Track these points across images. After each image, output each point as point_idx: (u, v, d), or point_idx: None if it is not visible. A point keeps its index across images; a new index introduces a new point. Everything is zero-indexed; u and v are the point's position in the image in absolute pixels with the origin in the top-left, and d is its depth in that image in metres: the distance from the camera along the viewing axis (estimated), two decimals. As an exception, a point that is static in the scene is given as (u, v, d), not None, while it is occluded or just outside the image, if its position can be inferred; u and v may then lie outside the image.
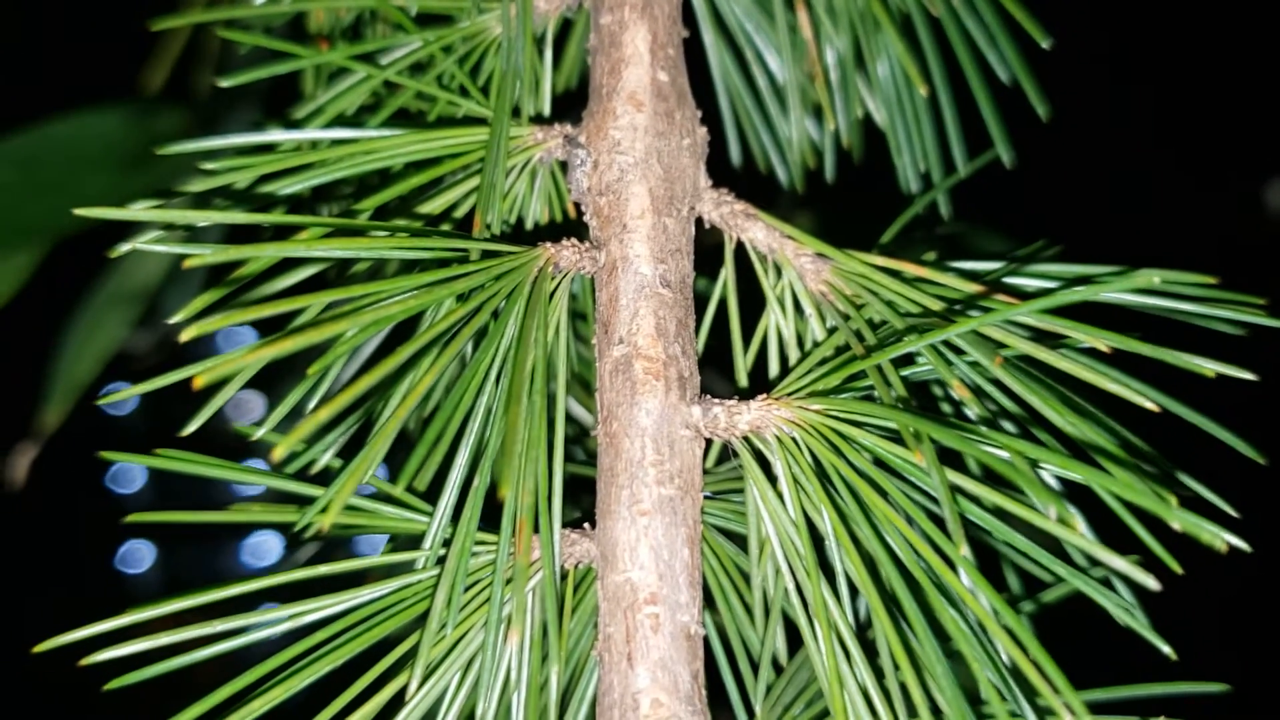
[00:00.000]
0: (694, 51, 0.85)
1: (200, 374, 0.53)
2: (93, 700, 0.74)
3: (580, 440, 1.00)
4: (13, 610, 2.64)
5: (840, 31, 0.88)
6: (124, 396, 0.68)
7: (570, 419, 0.99)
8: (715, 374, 0.82)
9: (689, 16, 0.84)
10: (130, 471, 3.24)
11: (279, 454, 0.52)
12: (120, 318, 1.54)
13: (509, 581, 0.66)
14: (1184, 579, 0.65)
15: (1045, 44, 0.82)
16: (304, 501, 0.73)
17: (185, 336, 0.55)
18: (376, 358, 0.80)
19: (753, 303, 0.79)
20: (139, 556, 3.33)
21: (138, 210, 0.63)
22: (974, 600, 0.62)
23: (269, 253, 0.62)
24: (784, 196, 0.97)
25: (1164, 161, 2.66)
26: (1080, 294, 0.58)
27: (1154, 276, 0.55)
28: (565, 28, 0.94)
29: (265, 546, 3.20)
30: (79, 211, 0.62)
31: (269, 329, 0.69)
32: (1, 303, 1.43)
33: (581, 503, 0.89)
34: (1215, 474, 0.73)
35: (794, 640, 0.77)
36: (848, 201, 1.03)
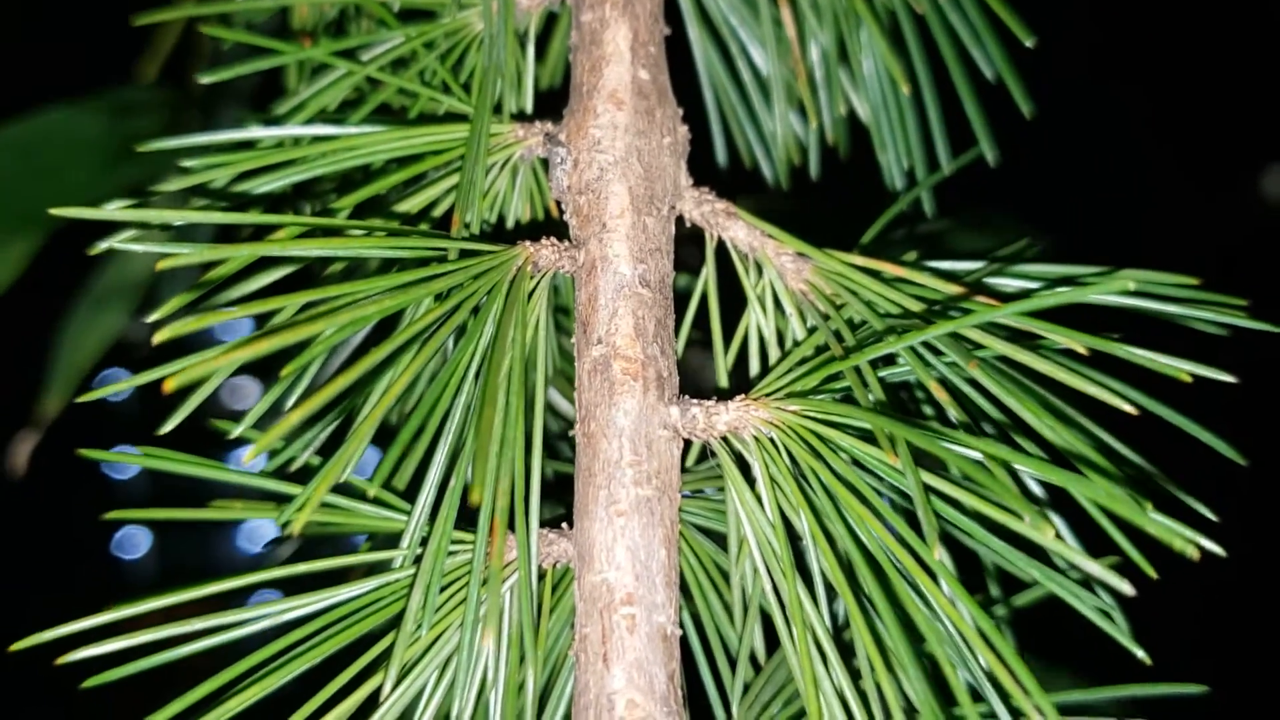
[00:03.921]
0: (679, 47, 0.84)
1: (171, 377, 0.53)
2: (69, 697, 0.74)
3: (567, 436, 1.00)
4: (8, 599, 2.64)
5: (824, 27, 0.88)
6: (118, 389, 0.68)
7: (558, 415, 0.99)
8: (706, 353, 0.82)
9: (673, 12, 0.84)
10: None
11: (250, 458, 0.52)
12: (120, 305, 1.54)
13: (485, 582, 0.66)
14: (1164, 580, 0.65)
15: (1029, 42, 0.82)
16: (286, 499, 0.73)
17: (158, 339, 0.55)
18: (357, 356, 0.80)
19: (734, 301, 0.79)
20: (135, 542, 3.33)
21: (113, 210, 0.63)
22: (948, 603, 0.62)
23: (244, 253, 0.62)
24: (769, 190, 0.97)
25: (1157, 151, 2.66)
26: (1060, 297, 0.57)
27: (1129, 282, 0.55)
28: (550, 24, 0.94)
29: (261, 531, 3.20)
30: (54, 211, 0.62)
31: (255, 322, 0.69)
32: (3, 290, 1.43)
33: (565, 500, 0.89)
34: (1196, 472, 0.73)
35: (773, 638, 0.77)
36: (833, 197, 1.03)
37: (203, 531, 3.36)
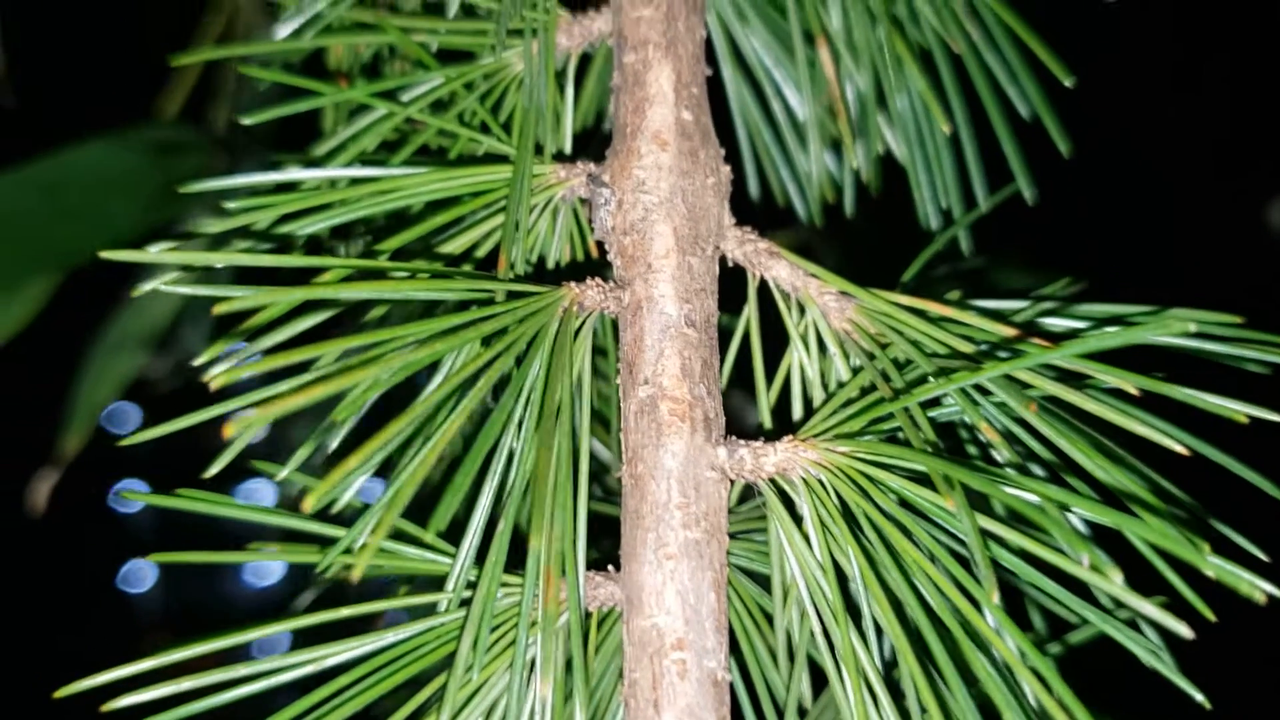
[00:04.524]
0: (711, 85, 0.84)
1: (229, 424, 0.53)
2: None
3: (598, 479, 0.99)
4: (17, 634, 2.62)
5: (861, 67, 0.88)
6: (161, 432, 0.66)
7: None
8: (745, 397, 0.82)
9: (707, 53, 0.84)
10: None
11: (309, 505, 0.52)
12: (139, 344, 1.54)
13: (534, 624, 0.66)
14: (1223, 623, 0.64)
15: (1068, 82, 0.82)
16: (321, 540, 0.72)
17: (214, 385, 0.54)
18: (396, 393, 0.79)
19: (776, 339, 0.79)
20: (141, 576, 3.31)
21: (157, 252, 0.63)
22: (1001, 644, 0.61)
23: (294, 296, 0.62)
24: (802, 227, 0.97)
25: (1186, 182, 2.66)
26: (1118, 338, 0.57)
27: (1189, 324, 0.54)
28: (583, 64, 0.94)
29: (268, 567, 3.18)
30: (103, 255, 0.61)
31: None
32: (20, 327, 1.42)
33: (598, 543, 0.89)
34: (1250, 509, 0.73)
35: (817, 678, 0.76)
36: (865, 233, 1.03)
37: (209, 566, 3.33)
